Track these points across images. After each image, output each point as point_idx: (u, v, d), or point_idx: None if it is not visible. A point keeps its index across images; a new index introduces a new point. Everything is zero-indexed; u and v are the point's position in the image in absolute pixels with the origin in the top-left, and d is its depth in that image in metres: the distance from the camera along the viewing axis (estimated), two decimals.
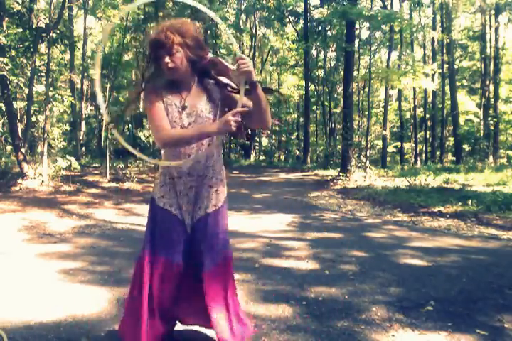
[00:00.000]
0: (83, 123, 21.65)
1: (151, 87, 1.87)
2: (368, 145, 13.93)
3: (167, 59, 1.74)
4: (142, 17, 16.68)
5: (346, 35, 15.15)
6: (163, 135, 1.77)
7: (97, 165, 14.77)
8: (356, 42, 16.40)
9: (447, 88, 24.30)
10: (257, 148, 29.92)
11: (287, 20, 24.37)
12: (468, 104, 27.29)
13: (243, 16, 26.49)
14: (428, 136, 26.93)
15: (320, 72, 25.30)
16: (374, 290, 3.02)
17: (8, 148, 11.79)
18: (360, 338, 2.25)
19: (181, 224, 1.93)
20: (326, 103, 26.03)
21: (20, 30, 9.28)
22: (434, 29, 22.92)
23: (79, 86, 21.12)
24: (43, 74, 10.53)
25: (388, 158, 26.27)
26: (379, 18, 12.47)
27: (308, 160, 21.28)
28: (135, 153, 1.94)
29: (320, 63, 25.21)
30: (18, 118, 10.97)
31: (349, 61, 14.75)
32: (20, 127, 10.04)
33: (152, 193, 2.01)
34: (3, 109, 9.54)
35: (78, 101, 20.09)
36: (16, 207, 6.84)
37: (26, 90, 9.90)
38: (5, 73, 8.48)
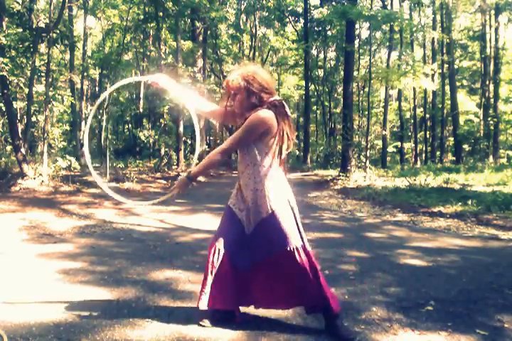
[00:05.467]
0: (83, 123, 21.66)
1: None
2: (368, 146, 13.93)
3: (230, 99, 2.32)
4: (142, 17, 16.68)
5: (346, 35, 15.15)
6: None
7: (97, 165, 14.77)
8: (356, 42, 16.41)
9: (447, 88, 24.31)
10: None
11: (287, 20, 24.40)
12: (468, 104, 27.30)
13: (243, 16, 26.49)
14: (428, 136, 26.94)
15: (320, 72, 25.33)
16: (374, 290, 3.02)
17: (8, 148, 11.79)
18: (360, 338, 2.25)
19: None
20: (326, 103, 26.05)
21: (20, 30, 9.27)
22: (434, 29, 22.92)
23: (79, 86, 21.14)
24: (43, 74, 10.52)
25: (388, 158, 26.29)
26: (379, 18, 12.47)
27: (308, 160, 21.30)
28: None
29: (320, 63, 25.23)
30: (18, 118, 10.96)
31: (349, 61, 14.75)
32: (20, 127, 10.03)
33: None
34: (3, 109, 9.53)
35: (78, 101, 20.10)
36: (15, 207, 6.84)
37: (26, 90, 9.89)
38: (5, 73, 8.47)
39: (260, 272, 2.31)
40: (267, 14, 25.12)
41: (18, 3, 10.59)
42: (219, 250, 2.32)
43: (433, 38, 23.46)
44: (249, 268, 2.31)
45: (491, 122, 23.86)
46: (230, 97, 2.31)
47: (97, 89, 25.14)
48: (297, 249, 2.25)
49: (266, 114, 2.19)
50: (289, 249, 2.23)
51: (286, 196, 2.33)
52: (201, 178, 13.92)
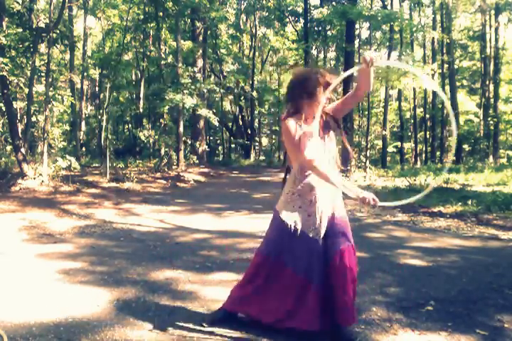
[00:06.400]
0: (83, 123, 21.66)
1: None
2: (368, 145, 13.94)
3: (327, 95, 2.23)
4: (142, 17, 16.68)
5: (346, 35, 15.14)
6: (307, 162, 2.19)
7: (97, 165, 14.76)
8: (356, 42, 16.42)
9: (447, 88, 24.30)
10: (257, 148, 29.91)
11: (287, 20, 24.37)
12: (468, 104, 27.27)
13: (243, 16, 26.48)
14: (428, 136, 26.93)
15: None
16: (374, 290, 3.02)
17: (8, 148, 11.79)
18: (361, 338, 2.25)
19: None
20: None
21: (20, 30, 9.27)
22: (434, 29, 22.89)
23: (79, 86, 21.13)
24: (43, 74, 10.52)
25: (388, 158, 26.24)
26: (379, 18, 12.48)
27: None
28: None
29: (320, 63, 25.21)
30: (18, 118, 10.96)
31: (349, 61, 14.75)
32: (20, 127, 10.03)
33: None
34: (3, 109, 9.54)
35: (78, 101, 20.09)
36: (15, 207, 6.84)
37: (26, 90, 9.89)
38: (5, 73, 8.47)
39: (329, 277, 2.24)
40: (267, 14, 25.09)
41: (18, 3, 10.58)
42: (283, 266, 2.26)
43: (433, 38, 23.43)
44: (322, 278, 2.24)
45: (491, 122, 23.84)
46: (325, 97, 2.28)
47: (96, 89, 25.13)
48: (353, 246, 2.31)
49: None
50: (352, 244, 2.28)
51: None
52: (201, 178, 13.92)
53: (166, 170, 13.88)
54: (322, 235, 2.26)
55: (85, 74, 21.18)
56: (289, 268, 2.25)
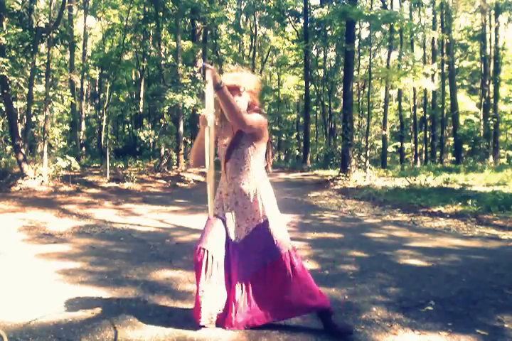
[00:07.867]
0: (83, 123, 21.67)
1: None
2: (368, 145, 13.93)
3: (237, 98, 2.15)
4: (142, 17, 16.68)
5: (346, 35, 15.14)
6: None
7: (97, 165, 14.77)
8: (356, 42, 16.42)
9: (447, 88, 24.30)
10: None
11: (287, 20, 24.38)
12: (468, 104, 27.28)
13: (243, 16, 26.48)
14: (428, 136, 26.95)
15: (320, 72, 25.32)
16: (374, 290, 3.02)
17: (8, 148, 11.81)
18: (360, 338, 2.25)
19: None
20: (326, 103, 26.04)
21: (20, 30, 9.29)
22: (434, 29, 22.91)
23: (79, 86, 21.16)
24: (43, 74, 10.53)
25: (388, 158, 26.26)
26: (379, 18, 12.48)
27: (308, 160, 21.29)
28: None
29: (320, 63, 25.22)
30: (18, 118, 10.97)
31: (349, 61, 14.75)
32: (20, 127, 10.04)
33: None
34: (3, 109, 9.54)
35: (78, 101, 20.10)
36: (15, 207, 6.84)
37: (26, 90, 9.90)
38: (5, 73, 8.48)
39: (259, 280, 2.25)
40: (267, 14, 25.10)
41: (18, 3, 10.58)
42: (214, 260, 2.24)
43: (433, 38, 23.45)
44: (249, 276, 2.25)
45: (491, 122, 23.83)
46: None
47: (97, 89, 25.14)
48: (292, 251, 2.27)
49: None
50: (285, 251, 2.24)
51: (275, 200, 2.35)
52: (201, 178, 13.93)
53: (166, 170, 13.89)
54: (224, 213, 2.27)
55: (85, 74, 21.20)
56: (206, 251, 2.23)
